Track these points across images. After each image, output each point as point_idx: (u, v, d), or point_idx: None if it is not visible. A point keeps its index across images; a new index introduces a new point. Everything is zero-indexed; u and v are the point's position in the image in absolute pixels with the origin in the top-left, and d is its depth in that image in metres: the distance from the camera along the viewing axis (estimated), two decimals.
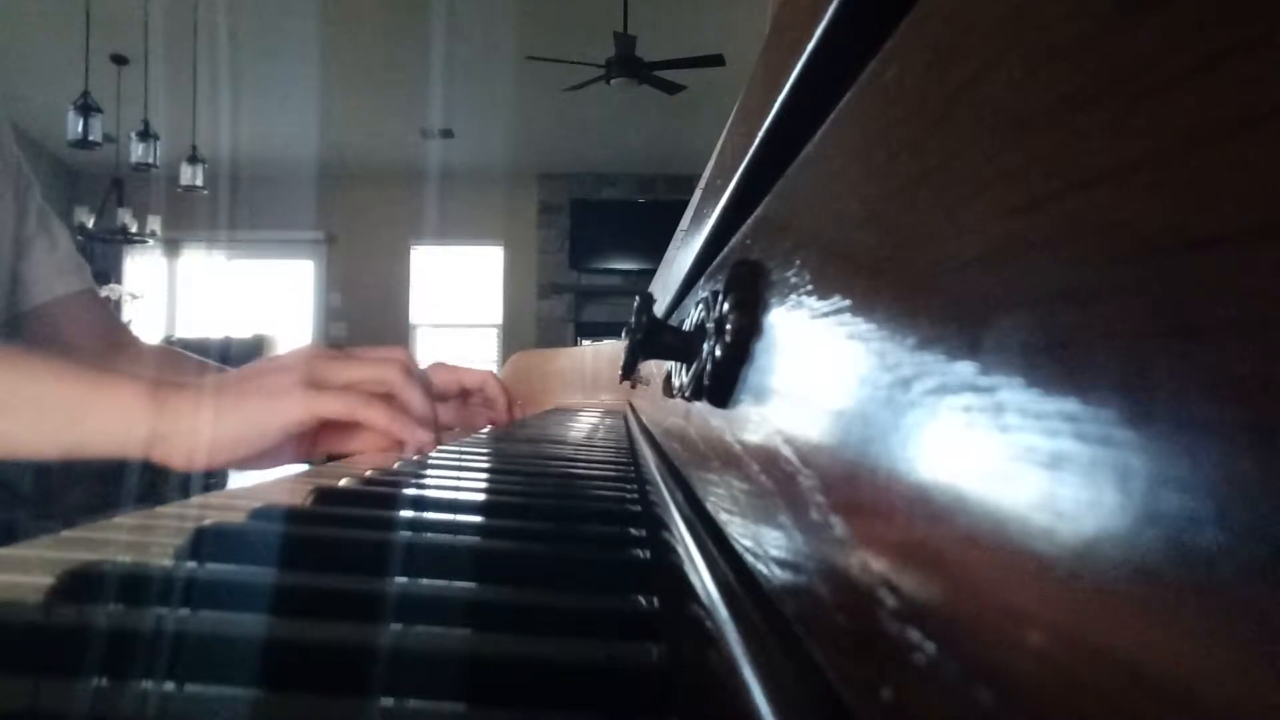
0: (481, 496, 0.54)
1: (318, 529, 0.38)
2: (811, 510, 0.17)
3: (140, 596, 0.27)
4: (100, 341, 0.82)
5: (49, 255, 0.88)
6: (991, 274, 0.12)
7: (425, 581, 0.30)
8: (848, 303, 0.18)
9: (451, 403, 0.89)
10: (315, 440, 0.64)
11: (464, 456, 0.74)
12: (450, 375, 0.85)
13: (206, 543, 0.33)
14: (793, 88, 0.26)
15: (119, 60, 5.51)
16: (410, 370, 0.64)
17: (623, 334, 0.42)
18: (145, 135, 5.54)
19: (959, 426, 0.12)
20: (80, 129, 5.22)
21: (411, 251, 7.54)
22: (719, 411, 0.30)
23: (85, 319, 0.83)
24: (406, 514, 0.42)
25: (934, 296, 0.14)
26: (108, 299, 6.02)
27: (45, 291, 0.88)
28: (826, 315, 0.19)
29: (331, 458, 0.66)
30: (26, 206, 0.88)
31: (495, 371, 0.93)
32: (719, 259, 0.42)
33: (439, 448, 0.70)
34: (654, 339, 0.39)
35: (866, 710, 0.13)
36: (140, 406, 0.56)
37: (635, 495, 0.54)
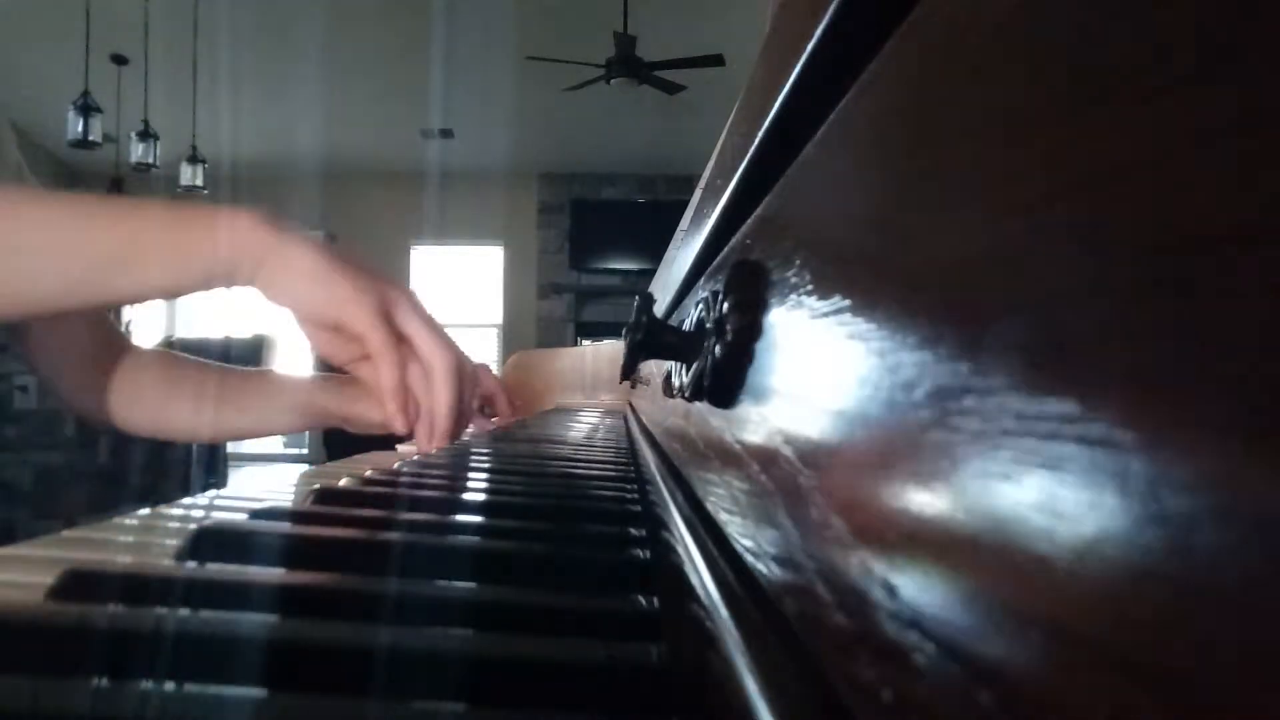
0: (482, 496, 0.54)
1: (318, 529, 0.38)
2: (811, 510, 0.17)
3: (140, 596, 0.27)
4: (97, 343, 0.82)
5: None
6: (992, 274, 0.12)
7: (425, 581, 0.30)
8: (848, 303, 0.18)
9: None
10: (343, 361, 0.67)
11: (464, 456, 0.74)
12: None
13: (206, 543, 0.33)
14: (793, 88, 0.26)
15: (119, 60, 5.51)
16: (462, 367, 0.65)
17: (623, 334, 0.42)
18: (145, 135, 5.53)
19: (959, 426, 0.12)
20: (80, 129, 5.21)
21: (411, 251, 7.53)
22: (719, 411, 0.30)
23: (82, 322, 0.83)
24: (406, 514, 0.42)
25: (934, 296, 0.14)
26: None
27: None
28: (826, 315, 0.19)
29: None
30: None
31: (495, 371, 0.93)
32: (719, 259, 0.42)
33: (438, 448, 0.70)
34: (654, 339, 0.39)
35: (866, 710, 0.13)
36: (250, 229, 0.61)
37: (635, 495, 0.54)
